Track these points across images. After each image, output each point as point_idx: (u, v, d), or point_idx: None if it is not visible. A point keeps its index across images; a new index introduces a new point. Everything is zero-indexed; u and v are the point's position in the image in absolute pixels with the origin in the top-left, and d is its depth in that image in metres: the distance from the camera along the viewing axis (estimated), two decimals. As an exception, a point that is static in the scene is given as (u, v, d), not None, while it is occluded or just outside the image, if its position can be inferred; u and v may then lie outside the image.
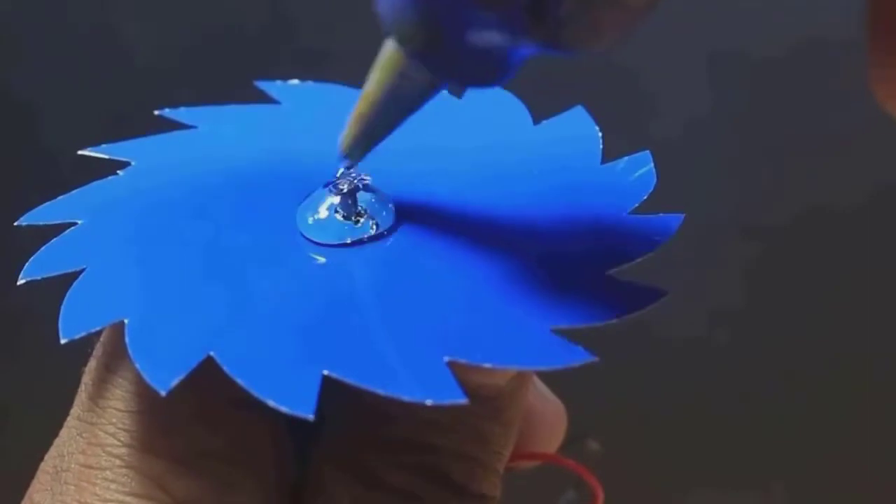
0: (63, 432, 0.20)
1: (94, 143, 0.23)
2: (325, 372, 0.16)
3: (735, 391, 0.54)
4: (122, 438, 0.18)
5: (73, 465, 0.18)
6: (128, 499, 0.18)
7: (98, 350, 0.20)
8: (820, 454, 0.54)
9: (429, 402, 0.16)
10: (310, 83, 0.25)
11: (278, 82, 0.25)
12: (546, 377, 0.24)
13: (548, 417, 0.23)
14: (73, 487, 0.18)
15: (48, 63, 0.55)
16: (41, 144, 0.54)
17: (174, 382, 0.17)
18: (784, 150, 0.55)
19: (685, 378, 0.55)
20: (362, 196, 0.21)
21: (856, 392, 0.54)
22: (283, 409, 0.16)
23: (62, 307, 0.18)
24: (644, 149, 0.22)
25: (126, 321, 0.18)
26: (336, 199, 0.20)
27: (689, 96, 0.55)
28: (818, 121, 0.54)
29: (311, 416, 0.16)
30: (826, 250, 0.55)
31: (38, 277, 0.19)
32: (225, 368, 0.17)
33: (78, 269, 0.19)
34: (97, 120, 0.53)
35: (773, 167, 0.55)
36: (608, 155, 0.22)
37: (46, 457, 0.20)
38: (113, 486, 0.18)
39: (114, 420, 0.19)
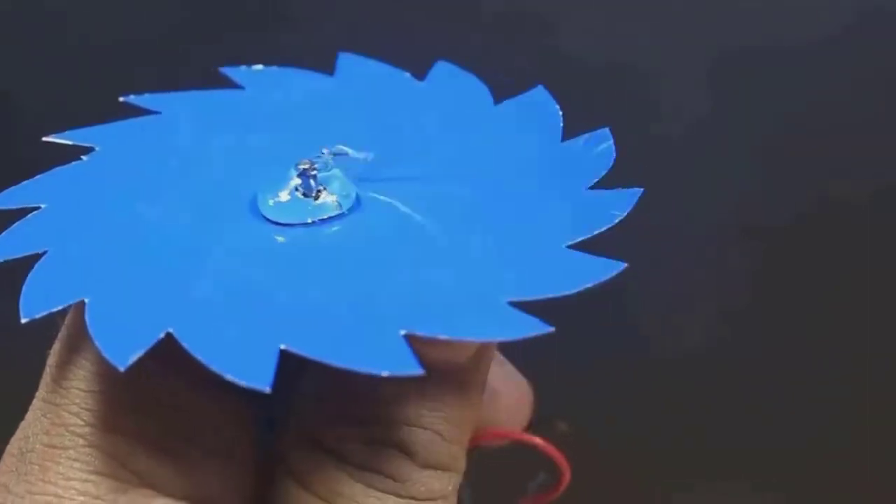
0: (28, 415, 0.20)
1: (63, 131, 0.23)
2: (283, 346, 0.16)
3: (735, 391, 0.54)
4: (85, 418, 0.18)
5: (37, 446, 0.19)
6: (91, 477, 0.18)
7: (62, 332, 0.20)
8: (820, 454, 0.54)
9: (385, 374, 0.16)
10: (274, 68, 0.25)
11: (242, 67, 0.25)
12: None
13: (513, 395, 0.23)
14: (37, 467, 0.18)
15: (20, 50, 0.55)
16: (11, 132, 0.54)
17: (133, 359, 0.17)
18: (784, 150, 0.54)
19: (684, 377, 0.54)
20: (323, 176, 0.21)
21: (856, 392, 0.54)
22: (241, 382, 0.16)
23: (23, 288, 0.18)
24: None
25: (86, 300, 0.18)
26: (298, 181, 0.20)
27: (689, 96, 0.54)
28: (818, 121, 0.53)
29: (267, 389, 0.16)
30: (827, 250, 0.54)
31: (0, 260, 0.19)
32: (183, 344, 0.17)
33: (39, 251, 0.19)
34: (68, 108, 0.52)
35: (773, 167, 0.54)
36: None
37: (13, 439, 0.20)
38: (76, 465, 0.18)
39: (77, 400, 0.19)
